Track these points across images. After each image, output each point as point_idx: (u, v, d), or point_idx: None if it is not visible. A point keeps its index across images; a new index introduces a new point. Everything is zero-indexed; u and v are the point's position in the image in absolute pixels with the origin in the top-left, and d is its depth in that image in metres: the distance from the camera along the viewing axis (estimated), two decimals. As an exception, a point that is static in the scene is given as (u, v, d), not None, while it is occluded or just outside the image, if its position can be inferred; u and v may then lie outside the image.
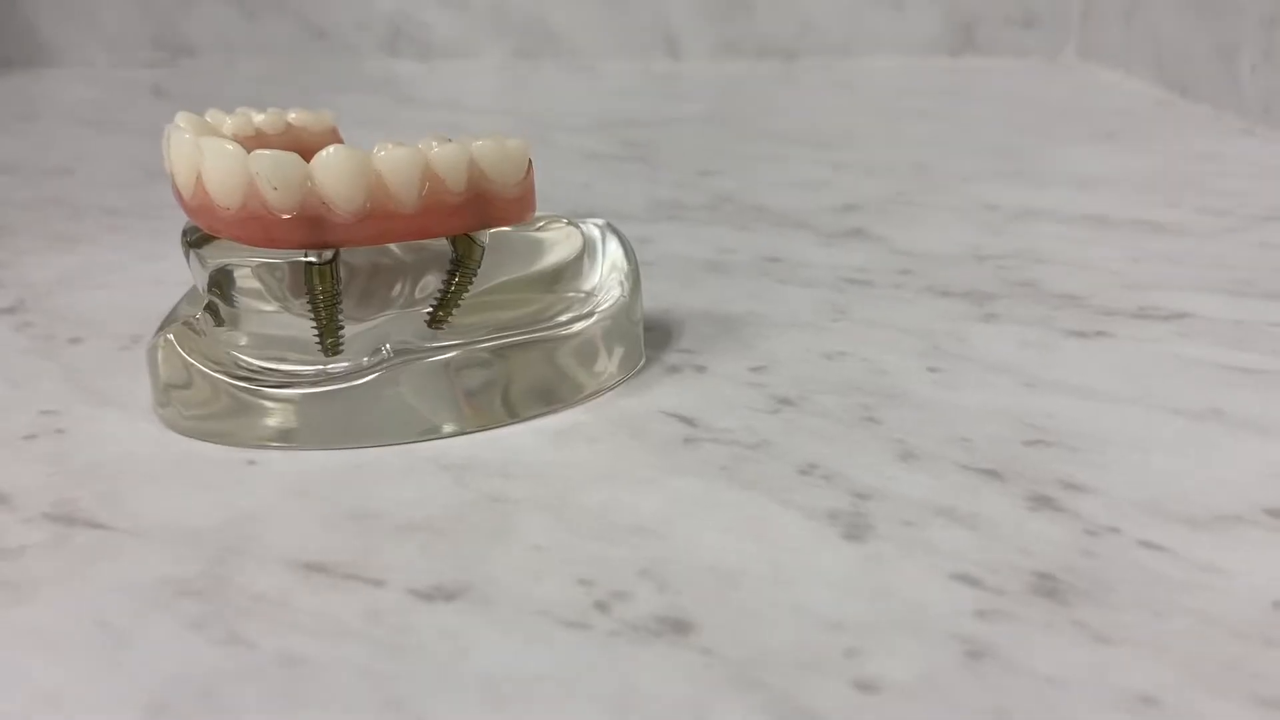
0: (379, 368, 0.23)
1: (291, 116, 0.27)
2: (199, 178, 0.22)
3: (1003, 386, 0.25)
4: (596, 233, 0.26)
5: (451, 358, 0.23)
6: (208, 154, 0.22)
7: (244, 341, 0.24)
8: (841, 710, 0.15)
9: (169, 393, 0.23)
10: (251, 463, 0.22)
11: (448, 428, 0.23)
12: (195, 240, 0.24)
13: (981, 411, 0.24)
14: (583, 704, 0.15)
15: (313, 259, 0.22)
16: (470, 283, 0.24)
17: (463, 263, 0.23)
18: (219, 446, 0.23)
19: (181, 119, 0.24)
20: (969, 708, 0.15)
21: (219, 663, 0.16)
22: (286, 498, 0.21)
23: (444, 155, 0.23)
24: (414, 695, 0.16)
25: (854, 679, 0.16)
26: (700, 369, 0.26)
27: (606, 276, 0.26)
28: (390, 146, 0.22)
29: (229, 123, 0.25)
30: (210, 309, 0.24)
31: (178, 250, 0.36)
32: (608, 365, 0.25)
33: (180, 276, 0.33)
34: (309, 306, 0.23)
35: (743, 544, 0.19)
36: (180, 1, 0.72)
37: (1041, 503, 0.20)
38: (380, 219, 0.22)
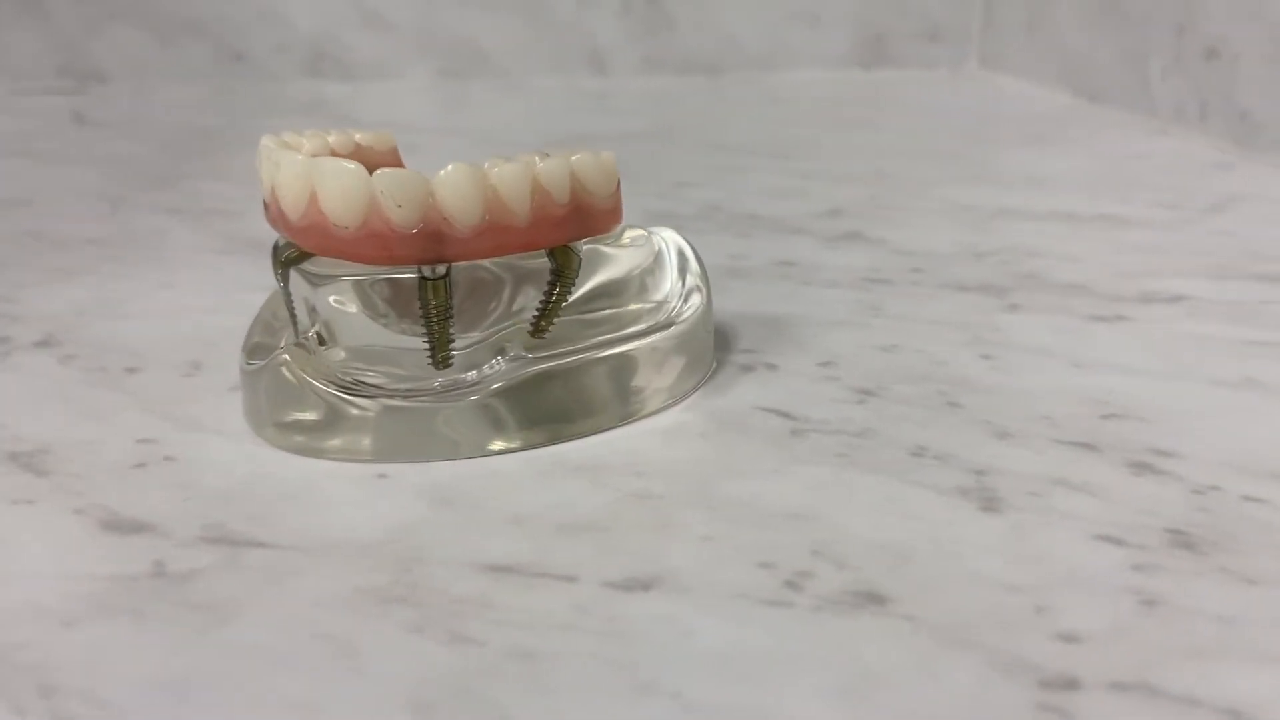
0: (494, 378, 0.23)
1: (358, 137, 0.27)
2: (312, 197, 0.22)
3: (1055, 369, 0.27)
4: (666, 242, 0.27)
5: (533, 372, 0.24)
6: (327, 174, 0.22)
7: (343, 356, 0.24)
8: (1060, 659, 0.17)
9: (284, 412, 0.23)
10: (382, 476, 0.22)
11: (542, 436, 0.24)
12: (291, 258, 0.24)
13: (1047, 392, 0.26)
14: (819, 671, 0.16)
15: (426, 274, 0.23)
16: (570, 292, 0.24)
17: (562, 273, 0.24)
18: (340, 463, 0.23)
19: (268, 140, 0.24)
20: (1168, 648, 0.17)
21: (457, 661, 0.17)
22: (435, 507, 0.21)
23: (549, 169, 0.23)
24: (660, 676, 0.16)
25: (1055, 632, 0.17)
26: (771, 367, 0.27)
27: (675, 284, 0.27)
28: (501, 162, 0.23)
29: (307, 144, 0.26)
30: (317, 331, 0.24)
31: (188, 277, 0.35)
32: (687, 370, 0.26)
33: (203, 303, 0.33)
34: (421, 321, 0.23)
35: (894, 521, 0.20)
36: (87, 27, 0.70)
37: (1142, 468, 0.22)
38: (496, 232, 0.23)
